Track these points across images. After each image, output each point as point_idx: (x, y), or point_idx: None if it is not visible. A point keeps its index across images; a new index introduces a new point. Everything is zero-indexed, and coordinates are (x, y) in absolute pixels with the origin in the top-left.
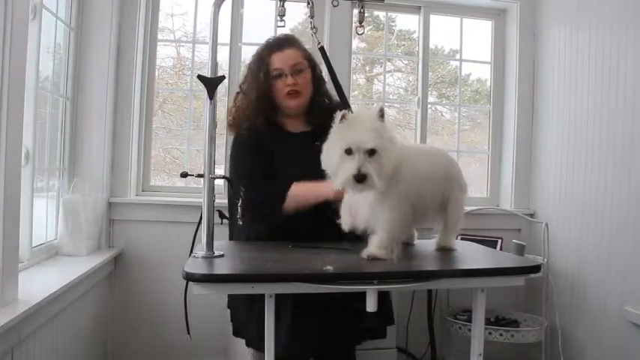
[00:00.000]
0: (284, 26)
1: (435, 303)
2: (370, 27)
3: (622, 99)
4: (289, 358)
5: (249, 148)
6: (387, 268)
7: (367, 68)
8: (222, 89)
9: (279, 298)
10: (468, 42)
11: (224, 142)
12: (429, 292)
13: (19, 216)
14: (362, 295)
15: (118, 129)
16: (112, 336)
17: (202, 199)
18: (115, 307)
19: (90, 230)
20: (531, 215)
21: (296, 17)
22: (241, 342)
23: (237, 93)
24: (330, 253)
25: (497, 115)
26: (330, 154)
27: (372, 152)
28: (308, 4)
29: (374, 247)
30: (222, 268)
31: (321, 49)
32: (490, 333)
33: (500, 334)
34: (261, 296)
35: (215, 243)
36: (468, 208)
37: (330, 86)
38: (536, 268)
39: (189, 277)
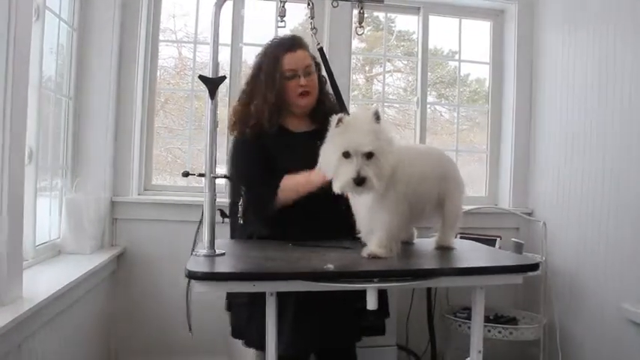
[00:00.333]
0: (284, 27)
1: (435, 301)
2: (370, 27)
3: (619, 99)
4: (291, 356)
5: (252, 148)
6: (387, 267)
7: (367, 68)
8: (223, 89)
9: (281, 297)
10: (467, 43)
11: (225, 141)
12: (429, 290)
13: (22, 215)
14: (361, 293)
15: (121, 128)
16: (114, 333)
17: (204, 198)
18: (117, 304)
19: (93, 229)
20: (529, 214)
21: (296, 18)
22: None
23: (244, 92)
24: (330, 251)
25: (496, 115)
26: (328, 157)
27: (369, 155)
28: (308, 4)
29: (374, 245)
30: (223, 266)
31: (320, 50)
32: (489, 330)
33: (499, 332)
34: (262, 295)
35: (216, 241)
36: (466, 207)
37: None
38: (534, 267)
39: (191, 276)
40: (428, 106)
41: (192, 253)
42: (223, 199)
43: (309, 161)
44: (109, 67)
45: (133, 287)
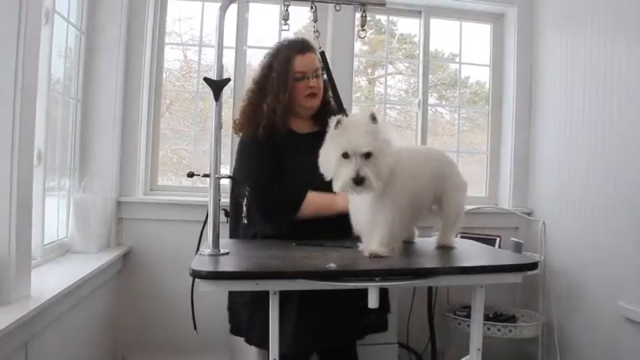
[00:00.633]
0: (288, 30)
1: (436, 299)
2: (372, 31)
3: (617, 101)
4: (293, 354)
5: (263, 148)
6: (388, 266)
7: (369, 71)
8: (227, 91)
9: (283, 296)
10: (468, 45)
11: (229, 142)
12: (430, 288)
13: (31, 215)
14: (363, 292)
15: (127, 130)
16: (120, 331)
17: (208, 199)
18: (123, 303)
19: (99, 228)
20: (529, 214)
21: (299, 21)
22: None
23: (252, 91)
24: (332, 251)
25: (496, 117)
26: (328, 158)
27: (368, 155)
28: (311, 8)
29: (376, 245)
30: (227, 265)
31: (322, 54)
32: (489, 328)
33: (499, 330)
34: (264, 294)
35: (221, 241)
36: (467, 207)
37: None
38: (533, 266)
39: (196, 274)
40: (429, 107)
41: (197, 253)
42: (228, 200)
43: (314, 162)
44: (115, 69)
45: (139, 286)
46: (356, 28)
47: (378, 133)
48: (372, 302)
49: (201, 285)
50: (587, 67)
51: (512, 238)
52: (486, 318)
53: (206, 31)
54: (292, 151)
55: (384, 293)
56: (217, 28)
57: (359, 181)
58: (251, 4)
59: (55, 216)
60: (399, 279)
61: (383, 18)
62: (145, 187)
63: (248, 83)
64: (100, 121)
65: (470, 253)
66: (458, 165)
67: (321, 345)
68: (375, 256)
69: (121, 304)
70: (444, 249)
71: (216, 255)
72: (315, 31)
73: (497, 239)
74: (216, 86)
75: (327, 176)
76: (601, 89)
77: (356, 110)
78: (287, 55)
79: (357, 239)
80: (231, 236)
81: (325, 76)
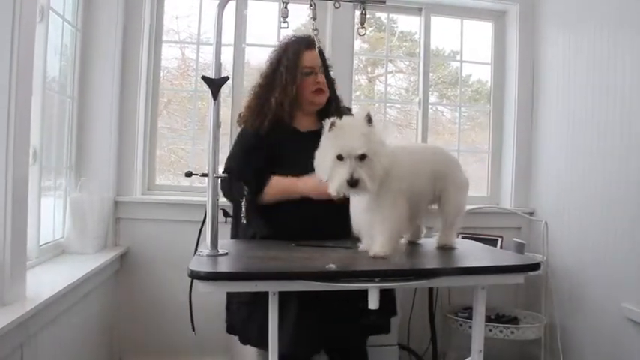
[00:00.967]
0: (287, 27)
1: (437, 300)
2: (372, 28)
3: (620, 99)
4: (293, 354)
5: (260, 142)
6: (388, 266)
7: (369, 69)
8: (225, 90)
9: (283, 296)
10: (469, 43)
11: (228, 141)
12: (431, 289)
13: (26, 215)
14: (364, 292)
15: (124, 129)
16: (118, 333)
17: (207, 198)
18: (120, 304)
19: (96, 229)
20: (531, 214)
21: (299, 19)
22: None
23: (260, 86)
24: (332, 251)
25: (498, 115)
26: (323, 161)
27: (362, 157)
28: (310, 5)
29: (378, 246)
30: (226, 266)
31: (320, 51)
32: (490, 330)
33: (501, 331)
34: (263, 294)
35: (219, 241)
36: (468, 207)
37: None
38: (535, 266)
39: (194, 275)
40: (430, 106)
41: (195, 253)
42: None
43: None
44: (112, 67)
45: (136, 287)
46: (356, 26)
47: (373, 135)
48: (373, 303)
49: (200, 285)
50: (590, 64)
51: (514, 239)
52: (488, 319)
53: (204, 28)
54: (293, 148)
55: (390, 296)
56: (215, 25)
57: (353, 183)
58: (249, 2)
59: (51, 216)
60: (400, 279)
61: (383, 15)
62: (142, 186)
63: (247, 81)
64: (96, 120)
65: (471, 253)
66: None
67: (320, 345)
68: (378, 257)
69: (118, 306)
70: (445, 249)
71: (214, 255)
72: (314, 29)
73: (499, 239)
74: (215, 85)
75: (323, 178)
76: (604, 87)
77: (356, 109)
78: (296, 49)
79: (357, 239)
80: (233, 236)
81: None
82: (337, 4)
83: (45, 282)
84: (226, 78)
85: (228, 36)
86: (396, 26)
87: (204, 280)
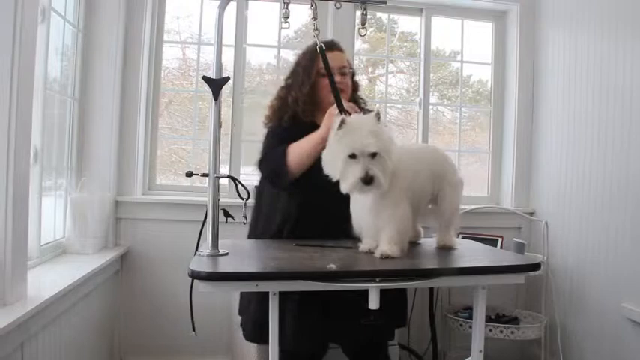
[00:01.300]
0: (288, 28)
1: (437, 300)
2: (373, 29)
3: (620, 99)
4: (293, 351)
5: (283, 133)
6: (389, 266)
7: (370, 69)
8: (226, 90)
9: (283, 294)
10: (469, 44)
11: (228, 142)
12: (431, 289)
13: (27, 215)
14: (366, 292)
15: (125, 129)
16: (118, 333)
17: (207, 198)
18: (121, 304)
19: (97, 229)
20: (531, 214)
21: (300, 19)
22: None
23: (282, 87)
24: (333, 251)
25: (498, 116)
26: (333, 159)
27: (374, 155)
28: (311, 6)
29: (386, 245)
30: (226, 266)
31: (321, 51)
32: (491, 330)
33: (501, 331)
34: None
35: (220, 241)
36: (469, 207)
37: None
38: (536, 266)
39: (195, 275)
40: (430, 106)
41: (195, 253)
42: (226, 199)
43: None
44: (113, 68)
45: (137, 287)
46: (356, 27)
47: (383, 133)
48: (373, 303)
49: (200, 285)
50: (591, 65)
51: (514, 239)
52: (488, 319)
53: (205, 29)
54: None
55: (401, 304)
56: (216, 25)
57: (368, 180)
58: (250, 2)
59: (52, 216)
60: (400, 279)
61: (384, 16)
62: (143, 186)
63: (248, 81)
64: (97, 120)
65: (471, 253)
66: (459, 164)
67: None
68: (386, 257)
69: (118, 306)
70: (446, 249)
71: (215, 255)
72: (315, 29)
73: (500, 239)
74: (215, 85)
75: (334, 177)
76: (604, 87)
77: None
78: (313, 51)
79: (358, 239)
80: (251, 231)
81: (357, 79)
82: (338, 5)
83: (46, 282)
84: (227, 78)
85: (229, 36)
86: (397, 26)
87: (204, 280)
